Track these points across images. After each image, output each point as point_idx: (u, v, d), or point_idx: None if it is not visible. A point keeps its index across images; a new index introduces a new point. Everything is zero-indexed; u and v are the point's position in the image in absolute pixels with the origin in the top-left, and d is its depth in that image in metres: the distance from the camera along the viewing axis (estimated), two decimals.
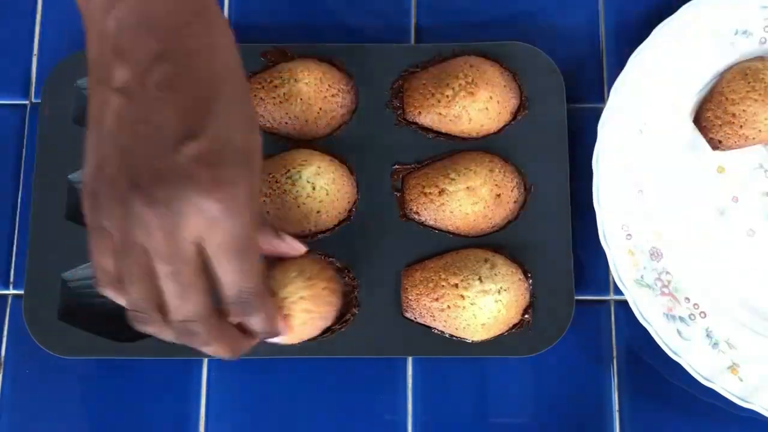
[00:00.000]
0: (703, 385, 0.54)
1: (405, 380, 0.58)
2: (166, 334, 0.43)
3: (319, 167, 0.57)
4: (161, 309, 0.41)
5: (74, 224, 0.57)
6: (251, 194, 0.41)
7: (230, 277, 0.42)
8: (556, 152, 0.59)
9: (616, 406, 0.58)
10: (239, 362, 0.58)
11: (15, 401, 0.58)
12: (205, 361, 0.58)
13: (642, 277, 0.57)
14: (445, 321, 0.55)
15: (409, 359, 0.58)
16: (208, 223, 0.39)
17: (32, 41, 0.64)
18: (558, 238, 0.57)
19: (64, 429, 0.58)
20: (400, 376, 0.58)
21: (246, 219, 0.40)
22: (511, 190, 0.58)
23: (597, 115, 0.59)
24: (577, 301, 0.59)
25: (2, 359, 0.59)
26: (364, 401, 0.58)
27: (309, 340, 0.53)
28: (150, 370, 0.58)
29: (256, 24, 0.64)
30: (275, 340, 0.49)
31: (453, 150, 0.59)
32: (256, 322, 0.45)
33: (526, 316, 0.56)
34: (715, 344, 0.56)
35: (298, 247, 0.51)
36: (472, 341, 0.56)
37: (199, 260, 0.40)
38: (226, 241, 0.40)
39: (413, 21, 0.64)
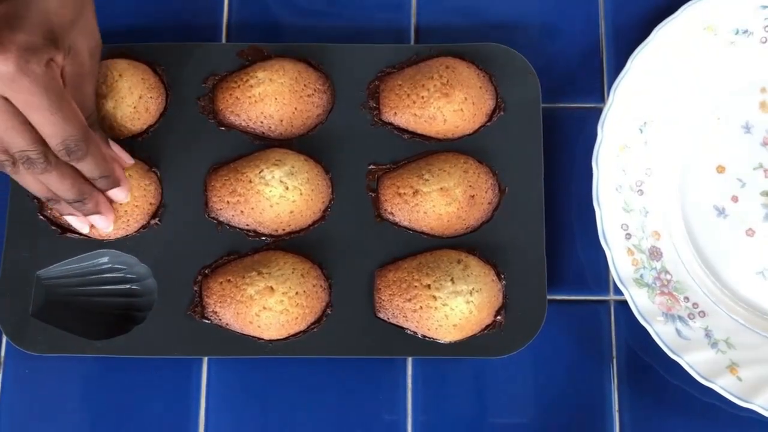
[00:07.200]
0: (702, 384, 0.54)
1: (405, 380, 0.58)
2: (20, 174, 0.50)
3: (293, 167, 0.57)
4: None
5: (48, 223, 0.58)
6: (62, 63, 0.47)
7: (48, 129, 0.47)
8: (531, 154, 0.59)
9: (616, 406, 0.58)
10: (239, 362, 0.58)
11: (15, 401, 0.58)
12: (205, 360, 0.58)
13: (641, 276, 0.57)
14: (417, 322, 0.55)
15: (409, 359, 0.58)
16: (4, 82, 0.44)
17: None
18: (531, 239, 0.57)
19: (64, 429, 0.58)
20: (399, 376, 0.58)
21: (47, 79, 0.45)
22: (485, 192, 0.58)
23: (597, 115, 0.59)
24: (577, 300, 0.59)
25: (2, 359, 0.59)
26: (363, 401, 0.58)
27: (294, 335, 0.56)
28: (150, 370, 0.58)
29: (257, 24, 0.64)
30: (116, 195, 0.55)
31: (428, 151, 0.59)
32: (88, 168, 0.51)
33: (499, 317, 0.56)
34: (714, 344, 0.56)
35: (123, 157, 0.56)
36: (445, 342, 0.56)
37: (12, 108, 0.46)
38: (28, 98, 0.45)
39: (413, 21, 0.64)
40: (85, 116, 0.50)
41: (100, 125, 0.58)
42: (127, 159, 0.57)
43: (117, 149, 0.56)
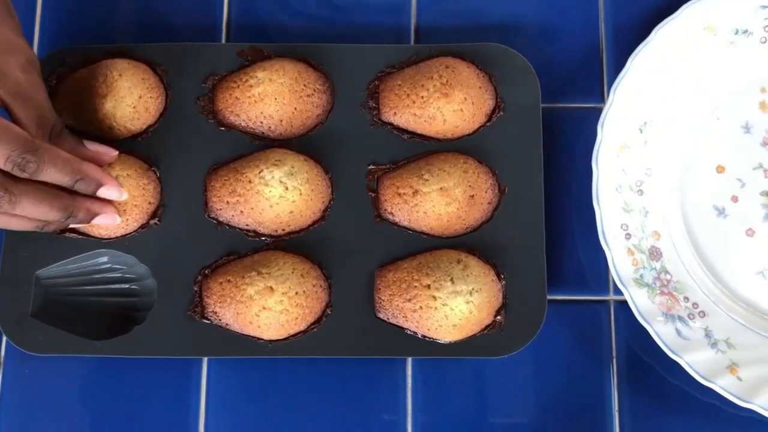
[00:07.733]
0: (702, 384, 0.54)
1: (405, 380, 0.58)
2: None
3: (292, 167, 0.57)
4: None
5: None
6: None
7: None
8: (531, 154, 0.59)
9: (615, 406, 0.58)
10: (239, 362, 0.58)
11: (15, 401, 0.58)
12: (205, 360, 0.58)
13: (641, 276, 0.57)
14: (417, 322, 0.55)
15: (409, 359, 0.58)
16: None
17: (31, 43, 0.64)
18: (531, 239, 0.57)
19: (64, 429, 0.58)
20: (399, 376, 0.58)
21: None
22: (485, 192, 0.58)
23: (597, 115, 0.59)
24: (577, 300, 0.59)
25: (2, 359, 0.59)
26: (363, 401, 0.58)
27: (294, 335, 0.56)
28: (150, 370, 0.58)
29: (256, 24, 0.64)
30: (107, 194, 0.53)
31: (428, 151, 0.59)
32: (54, 177, 0.48)
33: (499, 317, 0.56)
34: (714, 344, 0.56)
35: (105, 151, 0.55)
36: (445, 342, 0.56)
37: None
38: None
39: (413, 21, 0.64)
40: (46, 126, 0.49)
41: (99, 125, 0.58)
42: (109, 152, 0.55)
43: (95, 147, 0.54)
